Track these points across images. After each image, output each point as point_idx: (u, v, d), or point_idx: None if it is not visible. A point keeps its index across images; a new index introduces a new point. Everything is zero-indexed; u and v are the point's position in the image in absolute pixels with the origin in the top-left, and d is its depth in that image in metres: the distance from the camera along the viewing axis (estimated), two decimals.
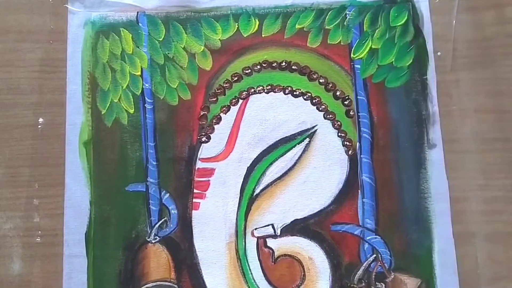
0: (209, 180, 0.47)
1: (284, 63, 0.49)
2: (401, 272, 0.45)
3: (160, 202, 0.47)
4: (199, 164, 0.47)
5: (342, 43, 0.49)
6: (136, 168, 0.47)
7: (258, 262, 0.46)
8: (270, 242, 0.46)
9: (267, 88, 0.49)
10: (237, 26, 0.49)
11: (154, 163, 0.47)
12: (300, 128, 0.48)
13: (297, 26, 0.49)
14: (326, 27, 0.49)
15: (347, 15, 0.49)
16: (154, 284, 0.45)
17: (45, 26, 0.50)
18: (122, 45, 0.49)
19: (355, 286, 0.45)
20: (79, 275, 0.45)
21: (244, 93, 0.49)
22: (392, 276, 0.45)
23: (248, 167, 0.47)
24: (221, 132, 0.48)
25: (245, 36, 0.49)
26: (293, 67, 0.49)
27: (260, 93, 0.49)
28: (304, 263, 0.46)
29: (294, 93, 0.48)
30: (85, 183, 0.47)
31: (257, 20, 0.49)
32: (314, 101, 0.48)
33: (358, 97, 0.48)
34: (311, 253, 0.46)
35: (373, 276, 0.45)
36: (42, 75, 0.49)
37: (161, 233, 0.46)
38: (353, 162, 0.47)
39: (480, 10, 0.49)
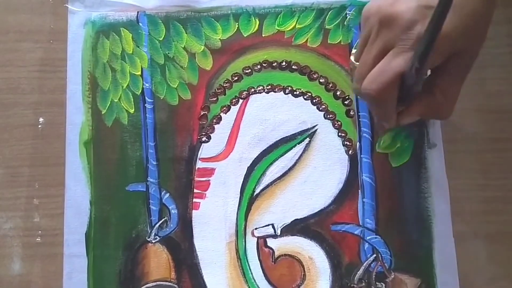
0: (209, 180, 0.47)
1: (284, 63, 0.49)
2: (401, 272, 0.45)
3: (160, 202, 0.47)
4: (199, 164, 0.47)
5: (342, 43, 0.49)
6: (136, 168, 0.47)
7: (258, 262, 0.46)
8: (270, 242, 0.46)
9: (267, 88, 0.49)
10: (237, 26, 0.49)
11: (154, 163, 0.47)
12: (300, 128, 0.48)
13: (298, 26, 0.49)
14: (326, 27, 0.49)
15: (347, 15, 0.49)
16: (154, 284, 0.45)
17: (45, 26, 0.50)
18: (122, 44, 0.49)
19: (355, 286, 0.45)
20: (79, 275, 0.45)
21: (244, 92, 0.49)
22: (392, 276, 0.45)
23: (248, 167, 0.47)
24: (221, 132, 0.48)
25: (245, 35, 0.49)
26: (293, 67, 0.49)
27: (260, 93, 0.49)
28: (304, 263, 0.46)
29: (294, 93, 0.48)
30: (85, 183, 0.47)
31: (257, 20, 0.49)
32: (314, 101, 0.48)
33: (358, 96, 0.48)
34: (311, 253, 0.46)
35: (373, 276, 0.45)
36: (42, 75, 0.49)
37: (161, 233, 0.46)
38: (353, 162, 0.47)
39: None
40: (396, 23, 0.35)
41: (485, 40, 0.36)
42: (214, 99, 0.48)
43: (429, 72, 0.39)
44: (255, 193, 0.47)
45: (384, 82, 0.35)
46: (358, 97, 0.46)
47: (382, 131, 0.47)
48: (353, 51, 0.42)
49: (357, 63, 0.39)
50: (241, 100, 0.48)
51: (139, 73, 0.49)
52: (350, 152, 0.47)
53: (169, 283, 0.45)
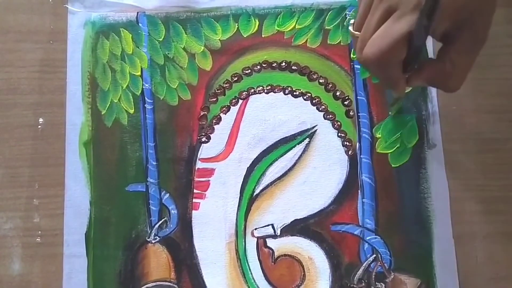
0: (209, 180, 0.47)
1: (284, 63, 0.49)
2: (401, 272, 0.45)
3: (160, 202, 0.47)
4: (199, 164, 0.47)
5: (342, 43, 0.49)
6: (136, 168, 0.47)
7: (258, 262, 0.46)
8: (270, 242, 0.46)
9: (267, 88, 0.49)
10: (237, 26, 0.49)
11: (154, 163, 0.47)
12: (300, 128, 0.48)
13: (297, 26, 0.49)
14: (326, 27, 0.49)
15: (347, 15, 0.49)
16: (154, 284, 0.45)
17: (45, 26, 0.50)
18: (122, 45, 0.49)
19: (355, 286, 0.45)
20: (79, 275, 0.45)
21: (244, 93, 0.49)
22: (392, 276, 0.45)
23: (248, 167, 0.47)
24: (221, 132, 0.48)
25: (245, 36, 0.49)
26: (293, 67, 0.49)
27: (260, 93, 0.49)
28: (304, 263, 0.46)
29: (294, 93, 0.48)
30: (85, 183, 0.47)
31: (257, 20, 0.50)
32: (314, 101, 0.48)
33: (358, 97, 0.48)
34: (311, 253, 0.46)
35: (373, 276, 0.45)
36: (42, 75, 0.49)
37: (161, 233, 0.46)
38: (353, 162, 0.47)
39: None
40: None
41: (495, 6, 0.35)
42: (214, 99, 0.48)
43: None
44: (255, 194, 0.47)
45: (385, 45, 0.35)
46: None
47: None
48: (351, 21, 0.40)
49: (357, 33, 0.39)
50: (240, 101, 0.48)
51: (139, 73, 0.49)
52: (349, 153, 0.47)
53: (169, 283, 0.45)
